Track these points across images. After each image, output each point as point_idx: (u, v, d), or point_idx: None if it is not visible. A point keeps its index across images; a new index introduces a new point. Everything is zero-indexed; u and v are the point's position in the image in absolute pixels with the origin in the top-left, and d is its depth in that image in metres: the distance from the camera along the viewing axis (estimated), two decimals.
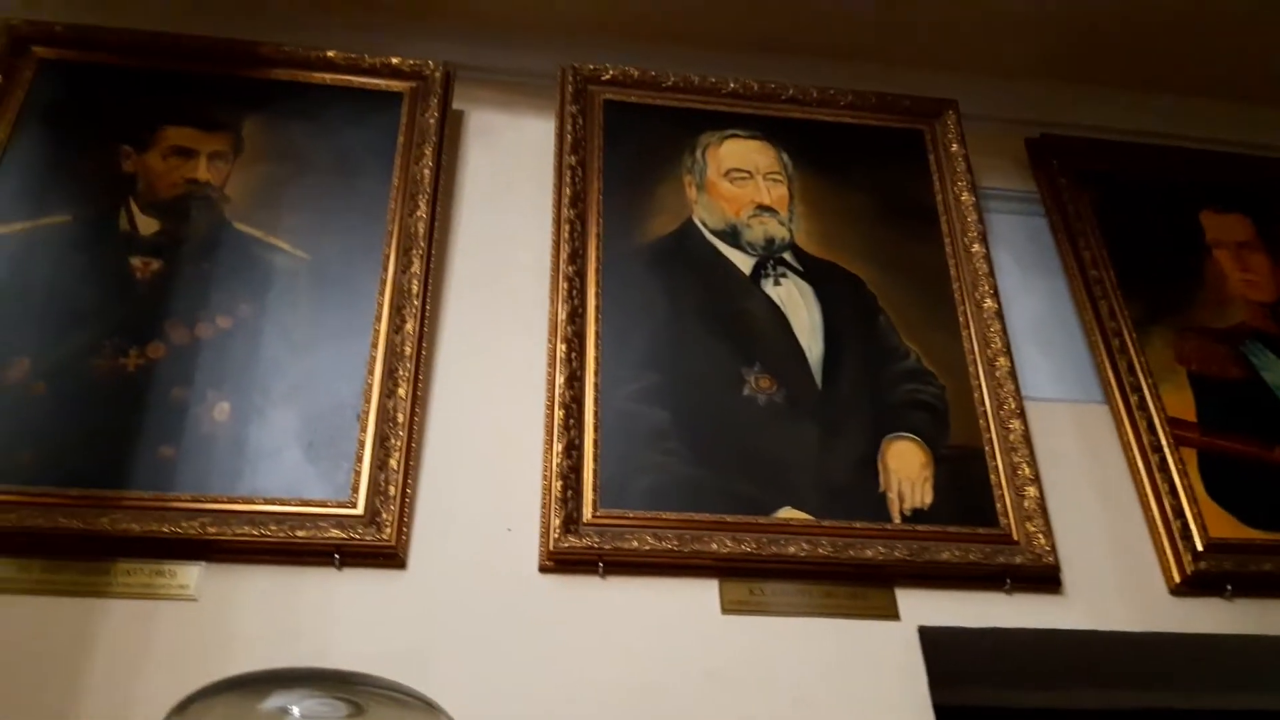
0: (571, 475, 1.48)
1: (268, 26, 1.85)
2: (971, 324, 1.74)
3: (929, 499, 1.55)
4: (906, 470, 1.57)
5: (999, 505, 1.57)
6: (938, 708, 1.39)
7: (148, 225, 1.62)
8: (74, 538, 1.33)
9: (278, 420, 1.46)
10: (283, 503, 1.39)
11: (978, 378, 1.69)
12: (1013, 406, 1.65)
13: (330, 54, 1.81)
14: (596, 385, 1.56)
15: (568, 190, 1.74)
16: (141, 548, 1.34)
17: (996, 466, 1.60)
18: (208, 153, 1.69)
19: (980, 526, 1.54)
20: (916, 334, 1.72)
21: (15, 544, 1.32)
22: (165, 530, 1.34)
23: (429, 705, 1.05)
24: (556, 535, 1.42)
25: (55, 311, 1.50)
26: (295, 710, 0.96)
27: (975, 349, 1.72)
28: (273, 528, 1.36)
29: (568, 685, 1.33)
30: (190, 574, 1.34)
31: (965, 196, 1.88)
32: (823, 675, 1.39)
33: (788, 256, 1.77)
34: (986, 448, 1.62)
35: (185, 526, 1.35)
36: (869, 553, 1.48)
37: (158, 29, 1.80)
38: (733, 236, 1.77)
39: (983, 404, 1.67)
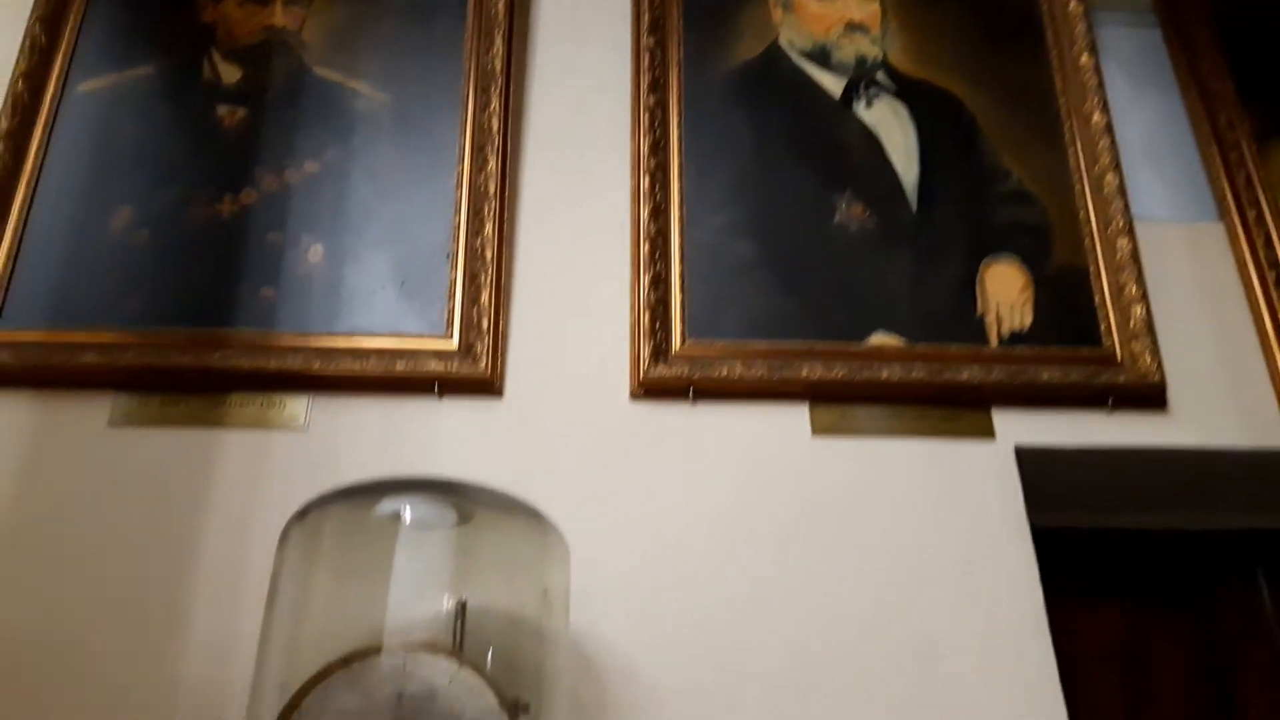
0: (659, 307, 1.47)
1: None
2: (1078, 140, 1.65)
3: (1029, 321, 1.51)
4: (1006, 293, 1.53)
5: (1103, 326, 1.52)
6: (1035, 530, 1.38)
7: (230, 73, 1.62)
8: (187, 373, 1.39)
9: (370, 262, 1.48)
10: (382, 338, 1.42)
11: (1084, 196, 1.61)
12: (1120, 225, 1.58)
13: None
14: (681, 218, 1.54)
15: (646, 17, 1.68)
16: (251, 382, 1.40)
17: (1101, 287, 1.55)
18: None
19: (1083, 347, 1.50)
20: (1018, 154, 1.64)
21: (134, 381, 1.39)
22: (272, 366, 1.39)
23: (535, 513, 1.08)
24: (646, 365, 1.43)
25: (149, 162, 1.54)
26: (406, 514, 1.00)
27: (1081, 166, 1.64)
28: (373, 362, 1.40)
29: (660, 509, 1.36)
30: (298, 405, 1.39)
31: (1073, 6, 1.75)
32: (916, 497, 1.39)
33: (880, 76, 1.68)
34: (1091, 268, 1.56)
35: (290, 362, 1.39)
36: (964, 375, 1.45)
37: None
38: (822, 57, 1.69)
39: (1088, 223, 1.59)
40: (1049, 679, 1.28)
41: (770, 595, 1.31)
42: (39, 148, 1.54)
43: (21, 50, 1.59)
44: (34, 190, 1.51)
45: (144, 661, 1.22)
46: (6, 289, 1.43)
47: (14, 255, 1.46)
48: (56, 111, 1.57)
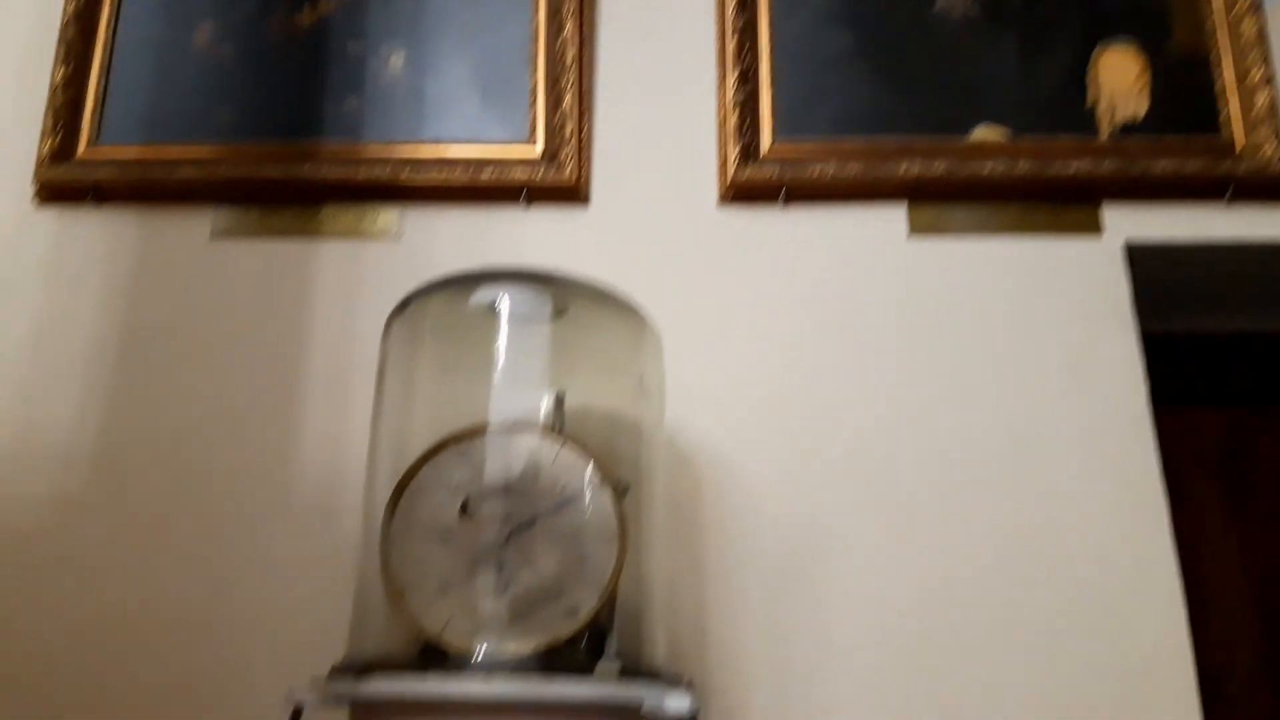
0: (748, 105, 1.42)
1: None
2: None
3: (1143, 109, 1.42)
4: (1119, 80, 1.43)
5: (1223, 113, 1.42)
6: (1144, 333, 1.33)
7: None
8: (281, 185, 1.41)
9: (451, 68, 1.45)
10: (467, 145, 1.41)
11: None
12: (1245, 4, 1.45)
13: None
14: (770, 8, 1.46)
15: None
16: (342, 193, 1.40)
17: (1223, 72, 1.44)
18: None
19: (1200, 135, 1.40)
20: None
21: (231, 194, 1.42)
22: (361, 177, 1.40)
23: (631, 308, 1.08)
24: (734, 167, 1.39)
25: None
26: (503, 305, 1.02)
27: None
28: (459, 171, 1.40)
29: (752, 314, 1.35)
30: (390, 216, 1.41)
31: None
32: (1019, 297, 1.35)
33: None
34: (1212, 52, 1.45)
35: (379, 171, 1.40)
36: (1073, 169, 1.38)
37: None
38: None
39: (1208, 2, 1.47)
40: (1151, 479, 1.26)
41: (863, 394, 1.31)
42: None
43: None
44: (119, 7, 1.51)
45: (261, 459, 1.29)
46: (102, 106, 1.45)
47: (106, 71, 1.47)
48: None
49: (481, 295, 1.03)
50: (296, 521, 1.26)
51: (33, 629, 1.23)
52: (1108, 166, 1.38)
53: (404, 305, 1.07)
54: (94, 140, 1.45)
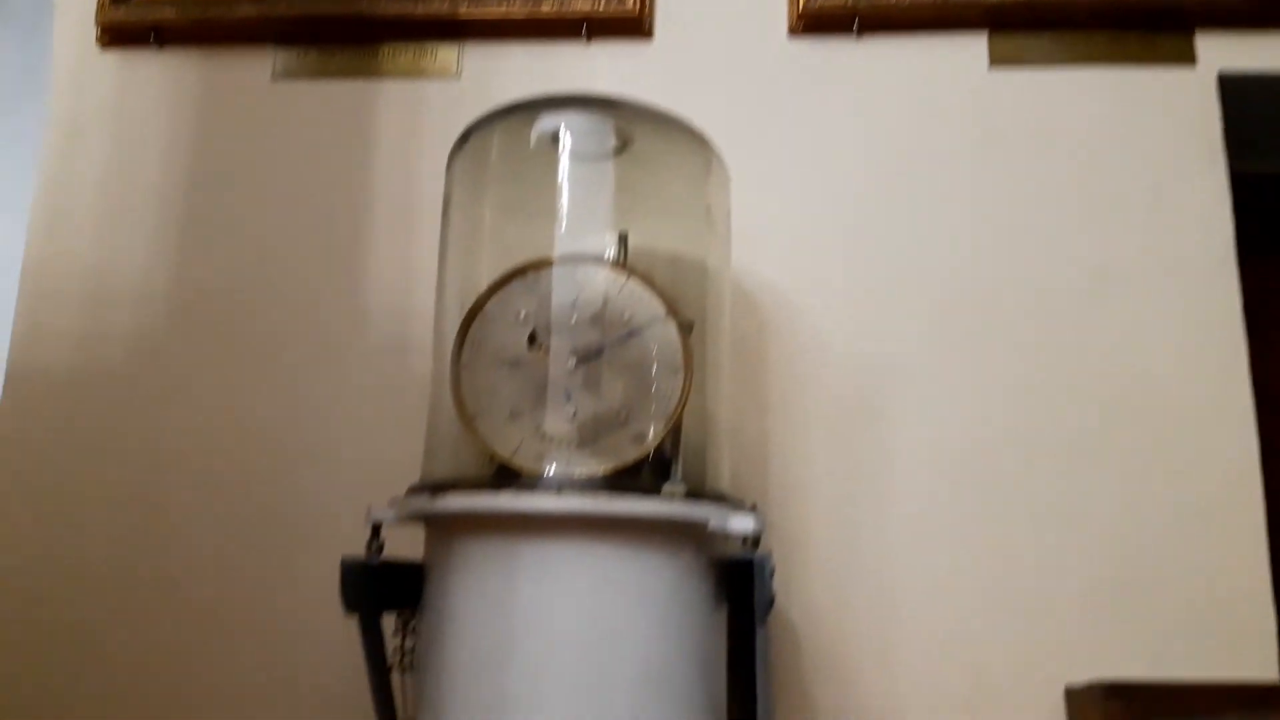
0: None
1: None
2: None
3: None
4: None
5: None
6: (1237, 175, 1.27)
7: None
8: (339, 22, 1.38)
9: None
10: None
11: None
12: None
13: None
14: None
15: None
16: (402, 30, 1.38)
17: None
18: None
19: None
20: None
21: (289, 33, 1.40)
22: (419, 11, 1.36)
23: (698, 137, 1.06)
24: None
25: None
26: (564, 134, 1.00)
27: None
28: (519, 3, 1.36)
29: (823, 150, 1.31)
30: (449, 54, 1.38)
31: None
32: (1103, 130, 1.29)
33: None
34: None
35: (438, 6, 1.36)
36: None
37: None
38: None
39: None
40: (1232, 321, 1.23)
41: (937, 232, 1.28)
42: None
43: None
44: None
45: (331, 296, 1.31)
46: None
47: None
48: None
49: (544, 125, 1.01)
50: (368, 356, 1.29)
51: (118, 461, 1.29)
52: None
53: (465, 138, 1.07)
54: None
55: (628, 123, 1.02)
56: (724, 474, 1.04)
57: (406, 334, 1.27)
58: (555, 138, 1.01)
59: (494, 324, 0.94)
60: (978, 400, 1.22)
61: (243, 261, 1.34)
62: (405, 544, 0.96)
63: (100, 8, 1.42)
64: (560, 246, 0.99)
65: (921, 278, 1.26)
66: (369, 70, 1.39)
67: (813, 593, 1.17)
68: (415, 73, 1.38)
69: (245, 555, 1.24)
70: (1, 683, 1.24)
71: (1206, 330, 1.23)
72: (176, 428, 1.30)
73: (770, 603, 0.87)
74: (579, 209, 1.03)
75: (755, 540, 0.89)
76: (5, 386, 1.33)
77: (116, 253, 1.36)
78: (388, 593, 0.92)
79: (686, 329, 0.95)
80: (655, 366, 0.92)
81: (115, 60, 1.43)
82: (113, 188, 1.38)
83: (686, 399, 0.91)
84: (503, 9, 1.36)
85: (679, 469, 0.92)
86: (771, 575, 0.87)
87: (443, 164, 1.11)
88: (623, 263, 0.98)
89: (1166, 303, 1.24)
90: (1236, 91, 1.30)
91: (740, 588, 0.87)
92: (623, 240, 1.00)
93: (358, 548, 0.93)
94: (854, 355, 1.25)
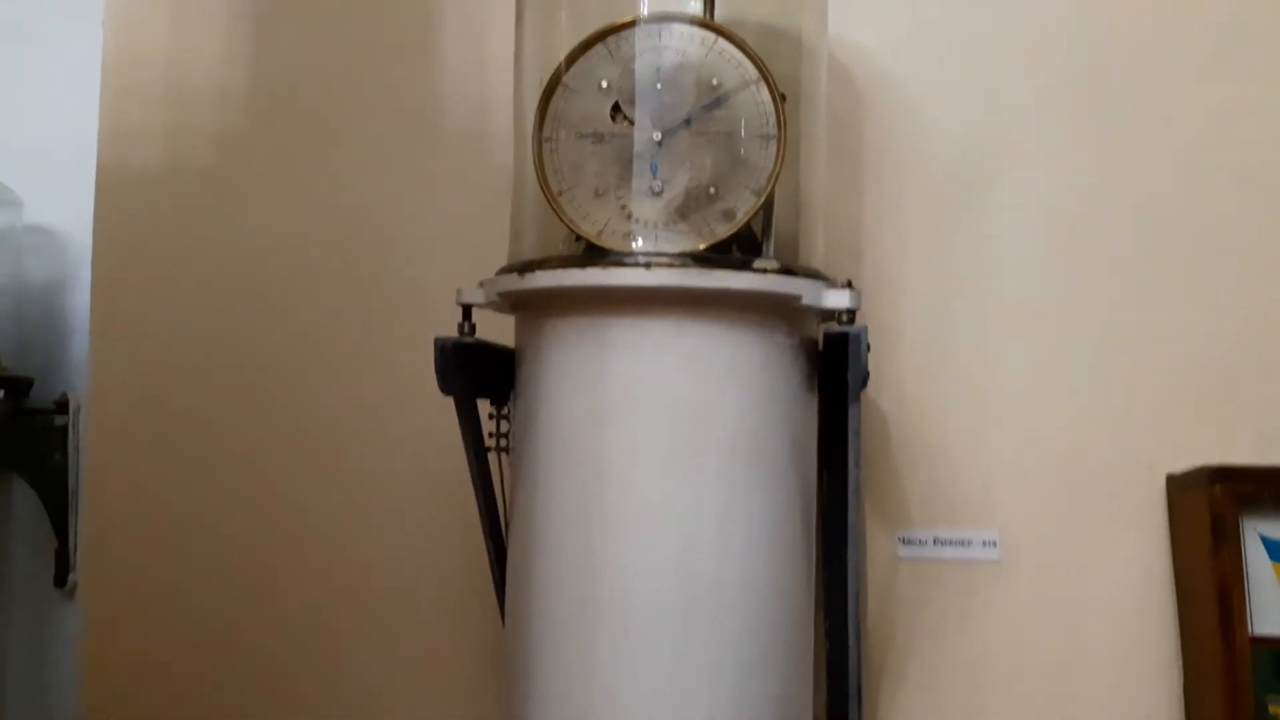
0: None
1: None
2: None
3: None
4: None
5: None
6: None
7: None
8: None
9: None
10: None
11: None
12: None
13: None
14: None
15: None
16: None
17: None
18: None
19: None
20: None
21: None
22: None
23: None
24: None
25: None
26: None
27: None
28: None
29: None
30: None
31: None
32: None
33: None
34: None
35: None
36: None
37: None
38: None
39: None
40: None
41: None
42: None
43: None
44: None
45: (403, 86, 1.28)
46: None
47: None
48: None
49: None
50: (449, 143, 1.26)
51: (203, 261, 1.32)
52: None
53: None
54: None
55: None
56: (818, 254, 1.00)
57: (486, 120, 1.24)
58: None
59: (575, 95, 0.90)
60: (1085, 176, 1.13)
61: (316, 53, 1.31)
62: (498, 332, 0.96)
63: None
64: (642, 6, 0.92)
65: (1029, 43, 1.15)
66: None
67: (905, 380, 1.15)
68: None
69: (340, 344, 1.27)
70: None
71: None
72: (261, 223, 1.31)
73: (865, 379, 0.85)
74: None
75: (851, 316, 0.86)
76: (98, 192, 1.36)
77: (193, 49, 1.34)
78: (482, 375, 0.92)
79: (779, 94, 0.89)
80: (746, 135, 0.87)
81: None
82: None
83: (780, 171, 0.87)
84: None
85: (770, 246, 0.89)
86: (868, 350, 0.85)
87: None
88: (710, 20, 0.92)
89: None
90: None
91: (834, 363, 0.85)
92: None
93: (451, 331, 0.93)
94: (955, 131, 1.16)
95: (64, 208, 1.52)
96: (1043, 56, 1.16)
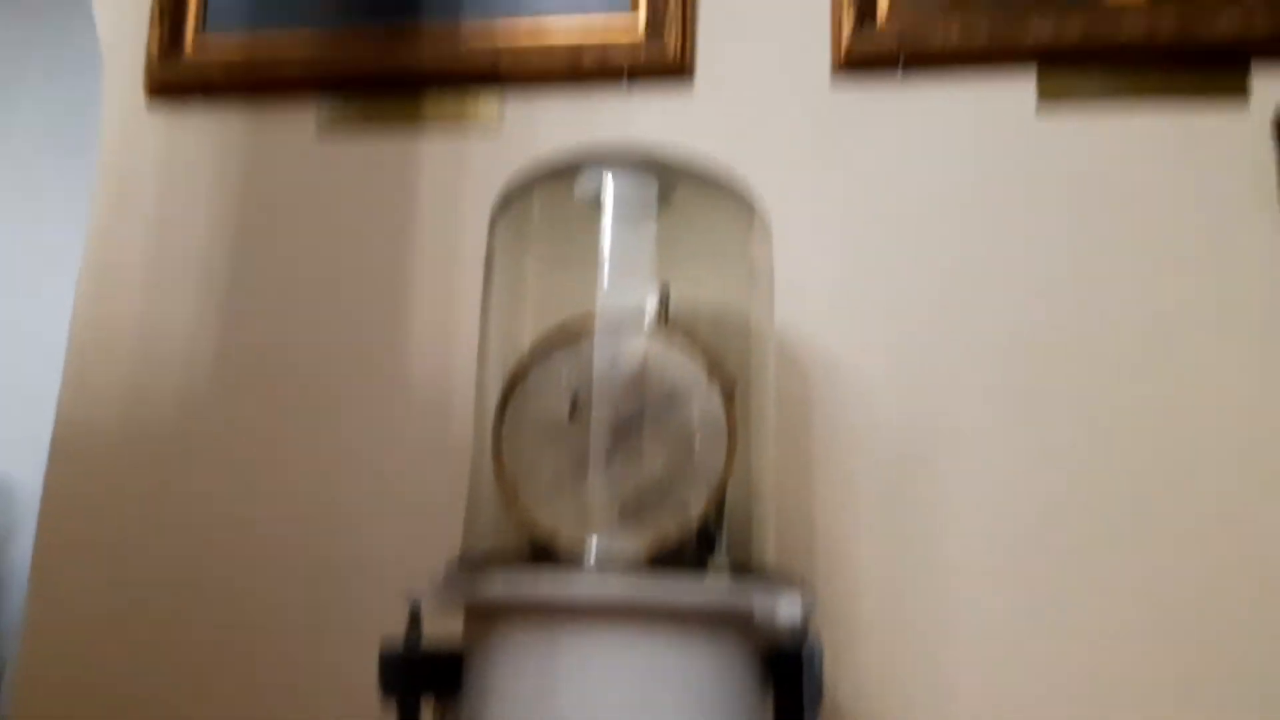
0: None
1: None
2: None
3: None
4: None
5: None
6: None
7: None
8: (384, 73, 1.38)
9: None
10: (566, 17, 1.36)
11: None
12: None
13: None
14: None
15: None
16: (443, 78, 1.38)
17: None
18: None
19: None
20: None
21: (335, 83, 1.41)
22: (462, 62, 1.36)
23: (740, 193, 1.04)
24: (849, 34, 1.30)
25: None
26: (607, 190, 0.99)
27: None
28: (559, 55, 1.35)
29: (867, 195, 1.29)
30: (491, 101, 1.38)
31: None
32: (1156, 171, 1.25)
33: None
34: None
35: (480, 59, 1.36)
36: (1221, 25, 1.25)
37: None
38: None
39: None
40: None
41: (987, 286, 1.24)
42: None
43: None
44: None
45: (370, 356, 1.32)
46: None
47: None
48: None
49: (584, 182, 1.00)
50: (409, 417, 1.28)
51: (157, 523, 1.30)
52: (1260, 23, 1.24)
53: (507, 197, 1.06)
54: (201, 29, 1.44)
55: (670, 179, 1.01)
56: (770, 543, 1.02)
57: (447, 398, 1.27)
58: (597, 196, 1.00)
59: (534, 393, 0.93)
60: (1032, 463, 1.18)
61: (285, 320, 1.35)
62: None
63: (149, 64, 1.44)
64: (602, 305, 0.97)
65: (972, 331, 1.23)
66: (412, 118, 1.39)
67: (862, 669, 1.14)
68: (458, 119, 1.38)
69: (286, 616, 1.25)
70: None
71: (1266, 380, 1.18)
72: (214, 491, 1.31)
73: (819, 695, 0.84)
74: (621, 265, 1.02)
75: (804, 629, 0.87)
76: (53, 445, 1.35)
77: (163, 311, 1.38)
78: (428, 675, 0.90)
79: (730, 391, 0.93)
80: (698, 435, 0.90)
81: (163, 116, 1.45)
82: (159, 245, 1.40)
83: (731, 467, 0.90)
84: (544, 60, 1.35)
85: (724, 542, 0.90)
86: (820, 665, 0.85)
87: (484, 213, 1.11)
88: (664, 321, 0.97)
89: (1228, 352, 1.19)
90: None
91: (788, 678, 0.85)
92: (664, 296, 0.99)
93: (399, 612, 0.92)
94: (903, 416, 1.22)
95: (16, 456, 1.52)
96: (984, 343, 1.23)
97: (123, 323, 1.38)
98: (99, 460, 1.33)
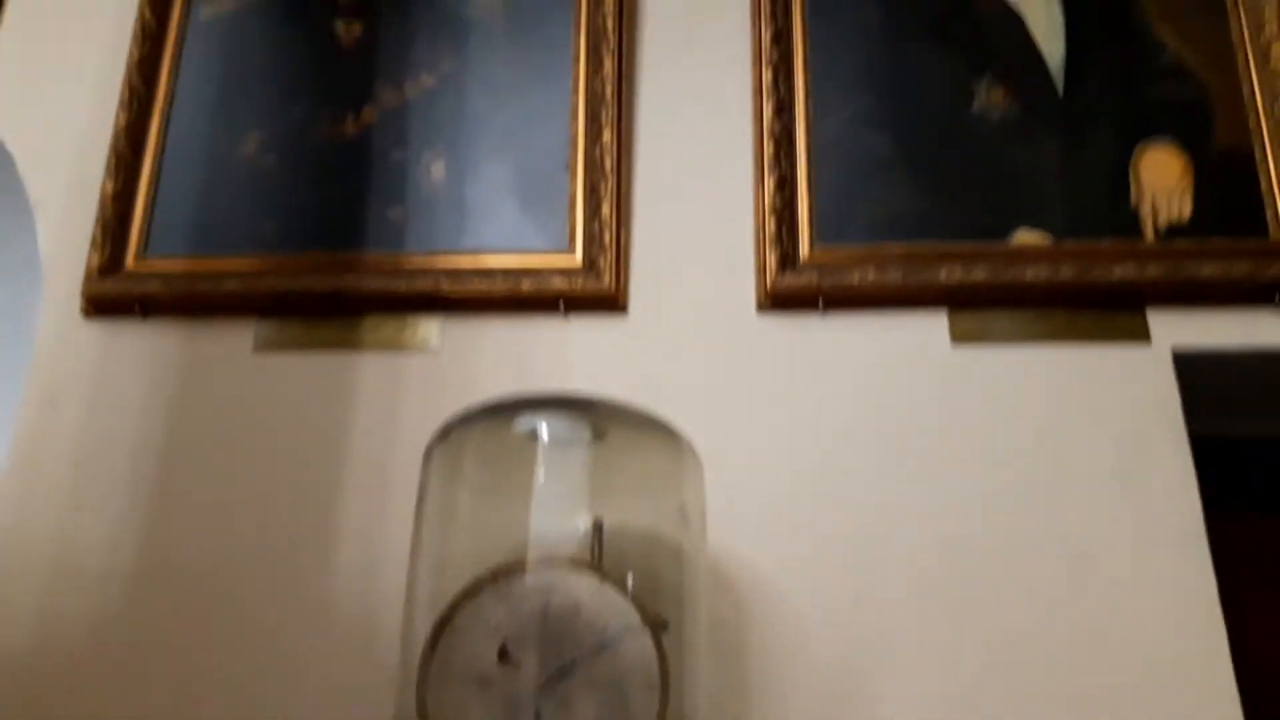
0: (786, 211, 1.42)
1: None
2: (1241, 5, 1.50)
3: (1188, 211, 1.40)
4: (1162, 180, 1.41)
5: (1270, 214, 1.39)
6: (1194, 439, 1.30)
7: None
8: (324, 297, 1.42)
9: (491, 175, 1.47)
10: (506, 254, 1.42)
11: (1248, 70, 1.46)
12: None
13: None
14: (808, 113, 1.47)
15: None
16: (384, 304, 1.42)
17: (1269, 170, 1.41)
18: None
19: (1247, 238, 1.38)
20: (1174, 24, 1.49)
21: (274, 306, 1.44)
22: (403, 288, 1.41)
23: (668, 428, 1.08)
24: (773, 274, 1.39)
25: (272, 84, 1.55)
26: (543, 431, 1.01)
27: (1245, 36, 1.48)
28: (500, 281, 1.40)
29: (793, 425, 1.34)
30: (431, 327, 1.41)
31: None
32: (1065, 406, 1.32)
33: None
34: (1257, 149, 1.43)
35: (420, 284, 1.41)
36: (1117, 273, 1.36)
37: None
38: None
39: (1253, 100, 1.45)
40: (1206, 588, 1.22)
41: (910, 510, 1.28)
42: (169, 75, 1.57)
43: None
44: (167, 119, 1.54)
45: (296, 580, 1.29)
46: (150, 217, 1.48)
47: (155, 183, 1.50)
48: (183, 39, 1.59)
49: (520, 423, 1.03)
50: (334, 642, 1.25)
51: None
52: (1153, 271, 1.36)
53: (445, 433, 1.07)
54: (142, 252, 1.47)
55: (603, 420, 1.04)
56: None
57: (374, 624, 1.24)
58: (533, 436, 1.02)
59: (462, 636, 0.92)
60: (959, 681, 1.19)
61: (208, 539, 1.32)
62: None
63: (87, 279, 1.45)
64: (534, 541, 0.98)
65: (896, 556, 1.26)
66: (350, 342, 1.42)
67: None
68: (396, 345, 1.41)
69: None
70: None
71: (1181, 600, 1.22)
72: (127, 714, 1.24)
73: None
74: (554, 501, 1.03)
75: None
76: None
77: (83, 528, 1.34)
78: None
79: (662, 630, 0.93)
80: (630, 682, 0.90)
81: (98, 329, 1.46)
82: (86, 459, 1.38)
83: (664, 717, 0.88)
84: (485, 285, 1.40)
85: None
86: None
87: (418, 437, 1.12)
88: (596, 555, 0.97)
89: (1140, 575, 1.24)
90: (1191, 365, 1.34)
91: None
92: (598, 531, 1.00)
93: None
94: (832, 638, 1.22)
95: None
96: (908, 564, 1.25)
97: (40, 541, 1.33)
98: (7, 680, 1.26)
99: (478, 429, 1.06)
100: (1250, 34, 1.48)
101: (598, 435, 1.05)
